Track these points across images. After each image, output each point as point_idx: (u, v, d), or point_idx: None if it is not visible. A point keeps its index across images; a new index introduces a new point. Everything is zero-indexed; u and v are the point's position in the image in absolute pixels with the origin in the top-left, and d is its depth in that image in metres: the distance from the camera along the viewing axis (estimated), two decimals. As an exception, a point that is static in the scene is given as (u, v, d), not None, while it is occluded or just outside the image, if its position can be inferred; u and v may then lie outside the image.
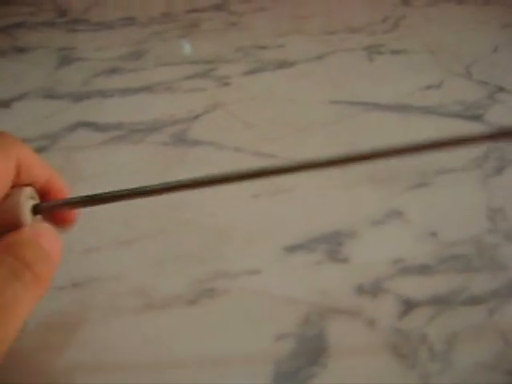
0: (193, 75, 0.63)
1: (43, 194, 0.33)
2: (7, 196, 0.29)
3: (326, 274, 0.40)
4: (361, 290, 0.38)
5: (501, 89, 0.61)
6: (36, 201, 0.31)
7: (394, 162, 0.50)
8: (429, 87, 0.61)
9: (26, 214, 0.29)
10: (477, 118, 0.56)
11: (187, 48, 0.71)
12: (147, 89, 0.61)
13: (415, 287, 0.39)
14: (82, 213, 0.36)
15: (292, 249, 0.41)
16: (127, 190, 0.33)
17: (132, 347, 0.35)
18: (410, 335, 0.36)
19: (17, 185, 0.30)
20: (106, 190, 0.47)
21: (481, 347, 0.35)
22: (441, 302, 0.38)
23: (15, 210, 0.29)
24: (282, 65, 0.64)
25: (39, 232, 0.28)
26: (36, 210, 0.31)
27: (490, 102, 0.59)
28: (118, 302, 0.38)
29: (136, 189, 0.32)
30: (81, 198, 0.32)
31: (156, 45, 0.70)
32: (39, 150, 0.53)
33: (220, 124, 0.55)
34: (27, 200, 0.30)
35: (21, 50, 0.70)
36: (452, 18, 0.76)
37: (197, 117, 0.56)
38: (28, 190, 0.30)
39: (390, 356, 0.35)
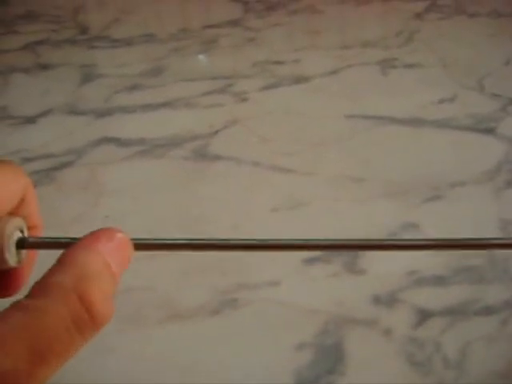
0: (211, 91, 0.65)
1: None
2: None
3: (344, 285, 0.41)
4: (377, 300, 0.40)
5: (513, 101, 0.62)
6: (23, 234, 0.29)
7: (408, 176, 0.51)
8: (442, 101, 0.62)
9: (11, 245, 0.27)
10: (490, 131, 0.58)
11: (203, 61, 0.73)
12: (167, 104, 0.63)
13: (430, 298, 0.40)
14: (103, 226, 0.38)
15: (310, 261, 0.43)
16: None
17: (157, 356, 0.37)
18: (425, 344, 0.37)
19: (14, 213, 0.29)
20: (128, 205, 0.49)
21: (494, 356, 0.37)
22: (455, 312, 0.39)
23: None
24: (298, 80, 0.66)
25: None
26: (21, 244, 0.28)
27: (503, 115, 0.60)
28: (145, 312, 0.39)
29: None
30: (71, 239, 0.29)
31: (175, 61, 0.72)
32: (65, 166, 0.55)
33: (238, 139, 0.56)
34: (15, 231, 0.28)
35: (44, 67, 0.72)
36: (464, 31, 0.77)
37: (216, 132, 0.57)
38: (18, 221, 0.28)
39: (405, 364, 0.36)
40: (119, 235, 0.24)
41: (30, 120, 0.62)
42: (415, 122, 0.59)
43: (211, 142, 0.56)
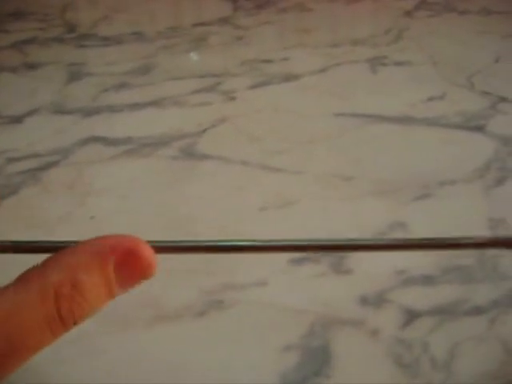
0: (200, 89, 0.64)
1: None
2: None
3: (331, 285, 0.41)
4: (364, 300, 0.40)
5: (503, 99, 0.62)
6: None
7: (397, 175, 0.51)
8: (431, 98, 0.62)
9: None
10: (479, 128, 0.57)
11: (194, 58, 0.72)
12: (155, 103, 0.62)
13: (418, 298, 0.40)
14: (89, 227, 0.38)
15: (297, 261, 0.42)
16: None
17: (144, 357, 0.37)
18: (413, 345, 0.37)
19: None
20: (115, 205, 0.49)
21: (483, 357, 0.36)
22: (443, 312, 0.39)
23: None
24: (287, 78, 0.66)
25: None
26: None
27: (493, 113, 0.60)
28: (132, 314, 0.39)
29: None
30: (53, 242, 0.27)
31: (164, 59, 0.72)
32: (51, 165, 0.54)
33: (227, 138, 0.56)
34: None
35: (31, 66, 0.71)
36: (454, 28, 0.77)
37: (204, 131, 0.57)
38: None
39: (392, 366, 0.36)
40: (133, 245, 0.21)
41: (17, 119, 0.62)
42: (405, 120, 0.58)
43: (199, 141, 0.55)
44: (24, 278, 0.22)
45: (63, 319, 0.22)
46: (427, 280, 0.41)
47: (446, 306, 0.39)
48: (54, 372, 0.36)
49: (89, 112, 0.62)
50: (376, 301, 0.39)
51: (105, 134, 0.58)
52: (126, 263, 0.21)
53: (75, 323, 0.22)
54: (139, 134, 0.57)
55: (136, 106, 0.62)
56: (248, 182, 0.50)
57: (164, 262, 0.42)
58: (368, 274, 0.41)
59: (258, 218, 0.47)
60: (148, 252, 0.21)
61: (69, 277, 0.21)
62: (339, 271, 0.42)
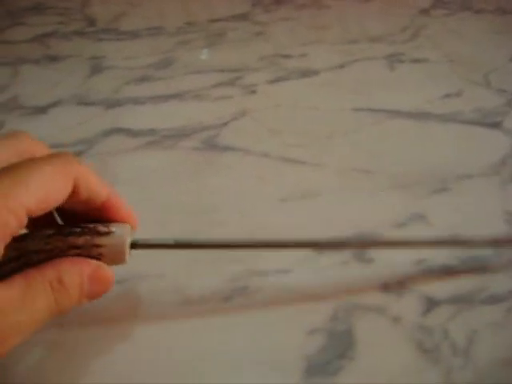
0: (220, 83, 0.65)
1: (105, 210, 0.36)
2: (111, 232, 0.35)
3: (353, 273, 0.42)
4: (386, 288, 0.41)
5: (519, 97, 0.63)
6: (131, 237, 0.37)
7: (414, 169, 0.52)
8: (448, 95, 0.63)
9: (127, 251, 0.36)
10: (495, 125, 0.58)
11: (207, 55, 0.73)
12: (176, 96, 0.63)
13: (437, 286, 0.41)
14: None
15: (319, 249, 0.44)
16: (216, 241, 0.39)
17: (171, 343, 0.38)
18: (433, 332, 0.38)
19: (76, 200, 0.34)
20: (140, 194, 0.50)
21: (500, 343, 0.37)
22: (462, 300, 0.40)
23: (121, 248, 0.35)
24: (306, 73, 0.67)
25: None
26: (133, 246, 0.37)
27: (509, 110, 0.61)
28: (157, 300, 0.40)
29: (224, 241, 0.39)
30: (174, 240, 0.38)
31: (183, 54, 0.73)
32: (76, 155, 0.55)
33: (247, 130, 0.57)
34: (128, 238, 0.36)
35: (53, 59, 0.73)
36: (470, 27, 0.78)
37: (225, 123, 0.58)
38: (128, 228, 0.36)
39: (414, 351, 0.37)
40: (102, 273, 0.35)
41: (41, 110, 0.63)
42: (422, 116, 0.59)
43: (220, 133, 0.57)
44: (27, 274, 0.33)
45: (59, 305, 0.33)
46: (446, 269, 0.42)
47: (465, 294, 0.41)
48: (83, 352, 0.37)
49: (111, 104, 0.63)
50: (397, 289, 0.41)
51: (128, 126, 0.59)
52: (95, 275, 0.34)
53: (62, 312, 0.34)
54: (161, 125, 0.58)
55: (158, 99, 0.63)
56: (269, 173, 0.52)
57: (190, 252, 0.43)
58: (389, 263, 0.42)
59: (278, 208, 0.48)
60: (109, 272, 0.35)
61: (57, 276, 0.33)
62: (361, 260, 0.43)
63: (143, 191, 0.50)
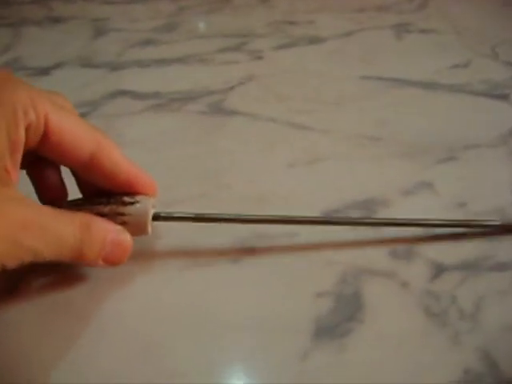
0: (225, 48, 0.65)
1: (128, 185, 0.38)
2: (136, 202, 0.38)
3: (361, 238, 0.42)
4: (394, 254, 0.41)
5: (527, 70, 0.62)
6: (154, 209, 0.39)
7: (422, 138, 0.52)
8: (456, 66, 0.63)
9: (150, 222, 0.38)
10: (503, 97, 0.58)
11: (201, 25, 0.72)
12: (181, 60, 0.63)
13: (445, 253, 0.41)
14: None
15: (329, 214, 0.43)
16: (236, 215, 0.40)
17: (175, 302, 0.38)
18: (441, 297, 0.38)
19: (44, 149, 0.35)
20: (146, 157, 0.49)
21: (506, 310, 0.37)
22: (469, 267, 0.40)
23: (144, 218, 0.37)
24: (313, 41, 0.66)
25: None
26: (156, 218, 0.38)
27: (517, 83, 0.60)
28: (165, 260, 0.40)
29: (247, 215, 0.40)
30: (196, 214, 0.39)
31: (188, 18, 0.72)
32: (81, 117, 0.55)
33: (254, 95, 0.57)
34: (151, 210, 0.38)
35: (57, 21, 0.72)
36: (478, -1, 0.77)
37: (232, 88, 0.58)
38: (152, 200, 0.38)
39: (422, 315, 0.37)
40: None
41: (44, 71, 0.62)
42: (430, 86, 0.59)
43: (227, 98, 0.56)
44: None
45: (81, 249, 0.34)
46: (454, 236, 0.42)
47: (472, 261, 0.41)
48: (89, 306, 0.37)
49: (116, 66, 0.62)
50: (405, 254, 0.41)
51: (133, 88, 0.58)
52: (117, 239, 0.36)
53: (80, 258, 0.35)
54: (167, 89, 0.58)
55: (162, 62, 0.63)
56: (276, 138, 0.51)
57: (196, 211, 0.42)
58: (398, 229, 0.42)
59: (286, 173, 0.48)
60: (129, 240, 0.37)
61: (87, 221, 0.35)
62: (367, 224, 0.43)
63: (149, 154, 0.50)
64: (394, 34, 0.68)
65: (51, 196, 0.38)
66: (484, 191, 0.47)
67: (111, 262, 0.36)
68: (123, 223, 0.36)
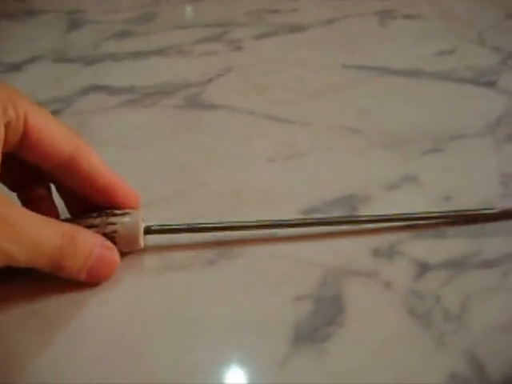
0: (204, 39, 0.63)
1: (108, 193, 0.37)
2: (126, 214, 0.38)
3: (342, 237, 0.40)
4: (376, 252, 0.39)
5: (514, 55, 0.61)
6: (144, 223, 0.38)
7: (407, 128, 0.50)
8: (441, 53, 0.61)
9: (141, 235, 0.38)
10: (490, 84, 0.56)
11: (190, 12, 0.70)
12: (159, 52, 0.61)
13: (430, 250, 0.39)
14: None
15: (308, 211, 0.42)
16: (229, 222, 0.39)
17: (154, 306, 0.36)
18: (425, 297, 0.36)
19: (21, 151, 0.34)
20: (120, 154, 0.48)
21: (495, 309, 0.36)
22: (455, 265, 0.38)
23: (135, 230, 0.37)
24: (294, 29, 0.64)
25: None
26: (147, 231, 0.38)
27: (504, 69, 0.59)
28: (141, 264, 0.38)
29: (238, 222, 0.39)
30: (186, 225, 0.39)
31: (166, 8, 0.70)
32: (53, 114, 0.52)
33: (233, 87, 0.55)
34: (142, 222, 0.38)
35: (30, 13, 0.70)
36: (464, -17, 0.75)
37: (210, 80, 0.56)
38: (141, 214, 0.38)
39: (405, 316, 0.35)
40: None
41: (16, 67, 0.60)
42: (414, 74, 0.57)
43: (205, 90, 0.54)
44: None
45: (60, 259, 0.33)
46: (438, 233, 0.41)
47: (458, 259, 0.39)
48: (68, 312, 0.36)
49: (90, 60, 0.60)
50: (388, 253, 0.39)
51: (107, 83, 0.56)
52: (104, 254, 0.35)
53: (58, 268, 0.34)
54: (143, 83, 0.56)
55: (139, 55, 0.61)
56: (256, 132, 0.49)
57: (170, 212, 0.41)
58: (378, 226, 0.40)
59: (266, 168, 0.46)
60: (116, 257, 0.36)
61: (73, 232, 0.34)
62: (350, 223, 0.41)
63: (124, 151, 0.48)
64: (378, 21, 0.66)
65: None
66: (471, 183, 0.45)
67: (95, 277, 0.35)
68: (114, 232, 0.36)
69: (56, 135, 0.34)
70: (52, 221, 0.34)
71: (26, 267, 0.32)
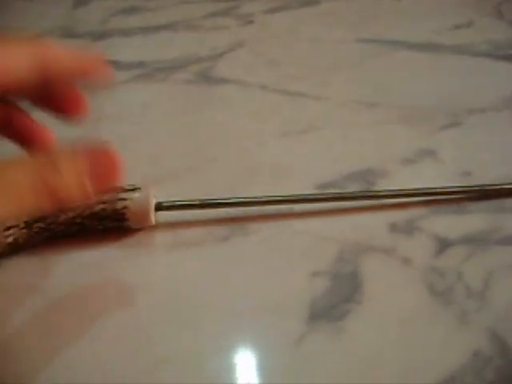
0: (214, 13, 0.61)
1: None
2: (136, 189, 0.36)
3: (359, 212, 0.39)
4: (394, 228, 0.38)
5: (532, 29, 0.59)
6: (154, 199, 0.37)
7: (424, 102, 0.49)
8: (458, 26, 0.59)
9: (152, 211, 0.37)
10: (507, 57, 0.55)
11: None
12: (168, 27, 0.60)
13: (449, 226, 0.38)
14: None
15: (323, 186, 0.41)
16: (243, 198, 0.38)
17: (164, 285, 0.35)
18: (446, 273, 0.35)
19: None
20: (129, 130, 0.46)
21: (517, 286, 0.35)
22: (475, 241, 0.37)
23: (146, 205, 0.36)
24: (306, 3, 0.63)
25: None
26: (158, 207, 0.37)
27: (521, 42, 0.57)
28: (151, 239, 0.37)
29: (252, 198, 0.38)
30: (198, 201, 0.38)
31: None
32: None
33: (245, 62, 0.54)
34: (153, 198, 0.37)
35: (36, -10, 0.68)
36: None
37: (221, 55, 0.54)
38: (152, 190, 0.37)
39: (425, 293, 0.34)
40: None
41: (23, 43, 0.59)
42: (430, 47, 0.56)
43: (216, 65, 0.53)
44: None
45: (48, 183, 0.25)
46: (458, 208, 0.39)
47: (478, 235, 0.38)
48: (73, 295, 0.35)
49: (99, 36, 0.59)
50: (406, 228, 0.38)
51: (116, 58, 0.55)
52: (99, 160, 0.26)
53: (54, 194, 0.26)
54: (152, 58, 0.55)
55: (147, 30, 0.59)
56: (268, 106, 0.48)
57: (181, 189, 0.40)
58: (396, 201, 0.39)
59: (279, 143, 0.45)
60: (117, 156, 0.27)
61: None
62: (367, 198, 0.40)
63: (133, 126, 0.47)
64: (392, -6, 0.65)
65: (33, 140, 0.33)
66: (490, 158, 0.44)
67: (98, 179, 0.26)
68: (124, 208, 0.36)
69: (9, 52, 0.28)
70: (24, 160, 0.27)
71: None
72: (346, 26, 0.59)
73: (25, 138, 0.33)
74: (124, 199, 0.36)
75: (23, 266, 0.36)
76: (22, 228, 0.36)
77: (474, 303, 0.34)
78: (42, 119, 0.32)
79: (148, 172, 0.41)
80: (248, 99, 0.49)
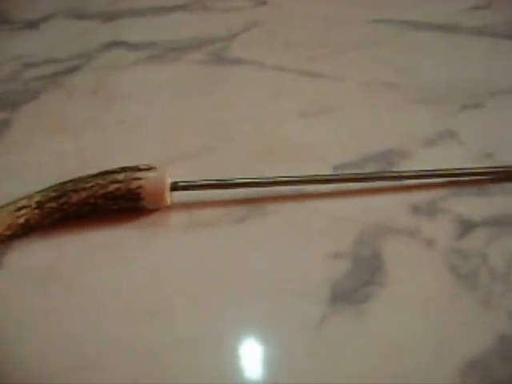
0: (227, -6, 0.60)
1: None
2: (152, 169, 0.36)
3: (379, 193, 0.38)
4: (416, 209, 0.37)
5: (552, 10, 0.58)
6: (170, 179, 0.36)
7: (444, 83, 0.47)
8: (477, 7, 0.58)
9: (168, 191, 0.36)
10: (528, 38, 0.54)
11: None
12: (181, 8, 0.59)
13: (472, 208, 0.37)
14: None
15: (342, 167, 0.40)
16: (261, 178, 0.37)
17: (181, 266, 0.34)
18: (470, 256, 0.34)
19: None
20: (143, 110, 0.46)
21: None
22: (499, 223, 0.36)
23: (161, 184, 0.35)
24: (321, -17, 0.62)
25: None
26: (174, 187, 0.36)
27: (541, 23, 0.56)
28: (167, 220, 0.36)
29: (269, 178, 0.37)
30: (215, 181, 0.37)
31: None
32: (72, 70, 0.51)
33: (259, 43, 0.53)
34: (168, 178, 0.36)
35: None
36: None
37: (235, 35, 0.53)
38: (168, 170, 0.36)
39: (448, 276, 0.33)
40: None
41: (32, 25, 0.58)
42: (449, 28, 0.55)
43: (230, 46, 0.52)
44: None
45: None
46: (481, 190, 0.38)
47: (502, 217, 0.37)
48: (86, 276, 0.34)
49: (109, 16, 0.58)
50: (428, 210, 0.37)
51: (128, 39, 0.54)
52: None
53: None
54: (165, 38, 0.54)
55: (160, 11, 0.58)
56: (284, 86, 0.47)
57: (197, 168, 0.39)
58: (419, 182, 0.38)
59: (297, 123, 0.44)
60: None
61: None
62: (387, 179, 0.39)
63: (146, 107, 0.46)
64: (408, -26, 0.63)
65: None
66: (510, 140, 0.43)
67: None
68: (139, 187, 0.35)
69: None
70: None
71: None
72: (362, 6, 0.58)
73: None
74: (139, 178, 0.35)
75: (35, 248, 0.35)
76: (34, 208, 0.35)
77: (499, 286, 0.33)
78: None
79: (163, 152, 0.40)
80: (264, 80, 0.48)
